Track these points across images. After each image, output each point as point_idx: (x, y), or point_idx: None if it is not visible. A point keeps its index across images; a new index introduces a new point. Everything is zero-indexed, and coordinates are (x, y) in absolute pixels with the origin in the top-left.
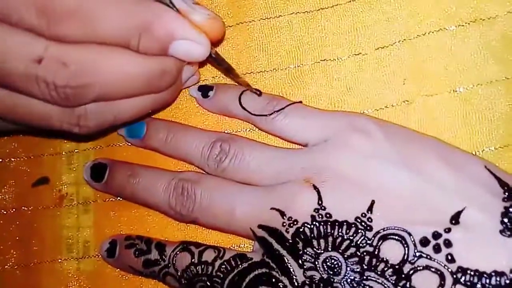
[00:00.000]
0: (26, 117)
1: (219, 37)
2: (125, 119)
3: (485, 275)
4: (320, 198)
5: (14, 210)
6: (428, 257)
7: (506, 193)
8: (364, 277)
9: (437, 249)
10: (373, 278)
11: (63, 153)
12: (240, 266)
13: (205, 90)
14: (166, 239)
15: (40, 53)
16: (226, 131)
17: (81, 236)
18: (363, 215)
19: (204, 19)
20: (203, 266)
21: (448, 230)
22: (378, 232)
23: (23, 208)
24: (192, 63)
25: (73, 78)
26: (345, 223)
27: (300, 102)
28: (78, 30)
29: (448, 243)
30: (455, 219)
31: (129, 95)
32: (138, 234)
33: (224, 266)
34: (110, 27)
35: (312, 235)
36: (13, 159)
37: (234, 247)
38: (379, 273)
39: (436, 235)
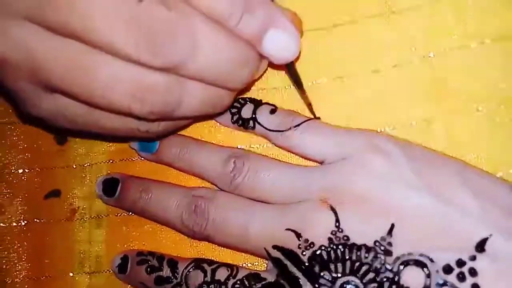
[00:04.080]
0: (89, 83)
1: (300, 37)
2: (186, 111)
3: None
4: (337, 220)
5: (26, 222)
6: (452, 286)
7: None
8: None
9: (461, 277)
10: None
11: (75, 166)
12: (254, 286)
13: None
14: (179, 255)
15: None
16: (240, 147)
17: (93, 251)
18: (383, 239)
19: (289, 15)
20: (216, 285)
21: (473, 258)
22: (398, 258)
23: (35, 220)
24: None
25: (171, 23)
26: (363, 247)
27: (317, 118)
28: None
29: (473, 272)
30: (481, 246)
31: (208, 76)
32: (150, 250)
33: (237, 286)
34: None
35: (330, 258)
36: (26, 170)
37: (247, 264)
38: None
39: (461, 263)
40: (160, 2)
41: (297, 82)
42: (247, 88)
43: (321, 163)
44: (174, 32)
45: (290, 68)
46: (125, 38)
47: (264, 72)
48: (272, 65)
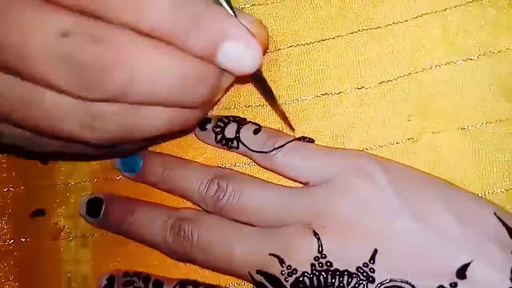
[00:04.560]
0: (33, 115)
1: (265, 46)
2: (146, 133)
3: None
4: (320, 245)
5: (12, 241)
6: None
7: None
8: None
9: None
10: None
11: (59, 185)
12: None
13: (203, 123)
14: (164, 275)
15: (68, 27)
16: (225, 165)
17: (80, 271)
18: (365, 265)
19: (250, 23)
20: None
21: (454, 285)
22: (381, 284)
23: (21, 239)
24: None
25: (100, 58)
26: (346, 273)
27: (303, 138)
28: (124, 9)
29: None
30: (461, 272)
31: (158, 99)
32: (136, 271)
33: None
34: (159, 14)
35: (312, 285)
36: (11, 188)
37: (232, 285)
38: None
39: None
40: (87, 35)
41: (266, 92)
42: (217, 101)
43: (306, 184)
44: (105, 65)
45: (255, 78)
46: (57, 74)
47: (232, 85)
48: (238, 78)
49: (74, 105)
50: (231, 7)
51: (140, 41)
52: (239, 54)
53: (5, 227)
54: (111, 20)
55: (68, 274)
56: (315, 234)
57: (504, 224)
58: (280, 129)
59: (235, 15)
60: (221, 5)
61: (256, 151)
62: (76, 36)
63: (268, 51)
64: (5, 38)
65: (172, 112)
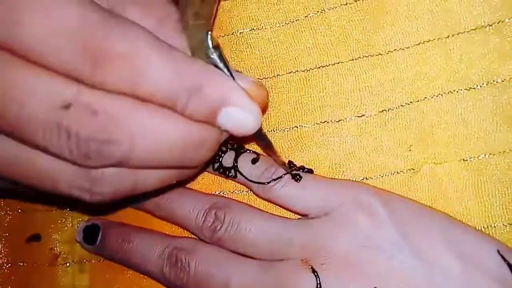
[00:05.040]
0: (28, 175)
1: (264, 106)
2: (145, 190)
3: None
4: (318, 283)
5: (9, 265)
6: None
7: None
8: None
9: None
10: None
11: (55, 211)
12: None
13: None
14: None
15: (69, 99)
16: (223, 192)
17: None
18: None
19: (249, 85)
20: None
21: None
22: None
23: (19, 263)
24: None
25: (100, 131)
26: None
27: (302, 168)
28: (123, 78)
29: None
30: None
31: (158, 164)
32: None
33: None
34: (158, 81)
35: None
36: (9, 212)
37: None
38: None
39: None
40: (87, 108)
41: (267, 147)
42: None
43: (305, 215)
44: (105, 138)
45: (255, 135)
46: (57, 144)
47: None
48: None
49: (72, 170)
50: (229, 70)
51: (140, 109)
52: (239, 118)
53: (3, 251)
54: (111, 89)
55: None
56: (314, 271)
57: (506, 262)
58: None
59: (234, 78)
60: (220, 68)
61: (254, 182)
62: (76, 108)
63: (267, 77)
64: (5, 105)
65: (171, 172)
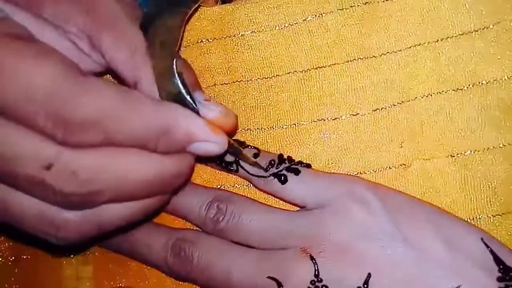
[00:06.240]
0: (4, 214)
1: (232, 131)
2: (113, 227)
3: None
4: (317, 269)
5: (13, 258)
6: None
7: (500, 272)
8: None
9: None
10: None
11: None
12: None
13: None
14: None
15: (51, 159)
16: (224, 186)
17: (81, 287)
18: None
19: (217, 116)
20: None
21: None
22: None
23: (22, 256)
24: None
25: (82, 186)
26: None
27: (300, 163)
28: (95, 137)
29: None
30: None
31: (141, 196)
32: None
33: None
34: (129, 132)
35: None
36: None
37: None
38: None
39: None
40: (66, 168)
41: (235, 154)
42: None
43: (303, 207)
44: (86, 191)
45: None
46: (42, 194)
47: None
48: None
49: (37, 217)
50: (192, 98)
51: (116, 156)
52: (206, 149)
53: (6, 245)
54: (86, 146)
55: None
56: (312, 258)
57: (490, 250)
58: (278, 153)
59: (198, 110)
60: (183, 95)
61: (255, 175)
62: (57, 168)
63: (266, 77)
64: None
65: (137, 205)
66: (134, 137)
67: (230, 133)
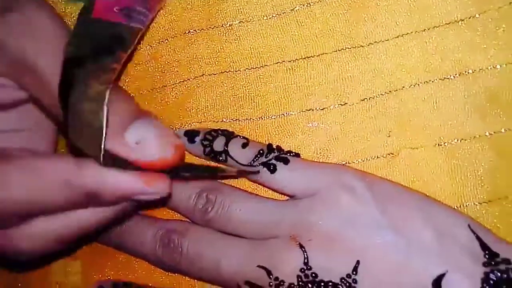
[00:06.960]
0: None
1: (177, 163)
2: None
3: None
4: (306, 257)
5: None
6: None
7: (486, 257)
8: None
9: None
10: None
11: None
12: None
13: (191, 135)
14: (153, 285)
15: None
16: None
17: (69, 282)
18: (348, 276)
19: (154, 159)
20: None
21: None
22: None
23: None
24: None
25: None
26: (330, 284)
27: (289, 152)
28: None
29: None
30: (437, 283)
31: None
32: (125, 280)
33: None
34: (55, 201)
35: None
36: None
37: None
38: None
39: None
40: None
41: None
42: None
43: (292, 196)
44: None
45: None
46: None
47: None
48: None
49: None
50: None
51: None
52: (147, 197)
53: None
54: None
55: (57, 285)
56: (301, 246)
57: (476, 236)
58: (267, 143)
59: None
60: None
61: (244, 165)
62: None
63: (255, 67)
64: None
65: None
66: (63, 206)
67: (181, 158)
